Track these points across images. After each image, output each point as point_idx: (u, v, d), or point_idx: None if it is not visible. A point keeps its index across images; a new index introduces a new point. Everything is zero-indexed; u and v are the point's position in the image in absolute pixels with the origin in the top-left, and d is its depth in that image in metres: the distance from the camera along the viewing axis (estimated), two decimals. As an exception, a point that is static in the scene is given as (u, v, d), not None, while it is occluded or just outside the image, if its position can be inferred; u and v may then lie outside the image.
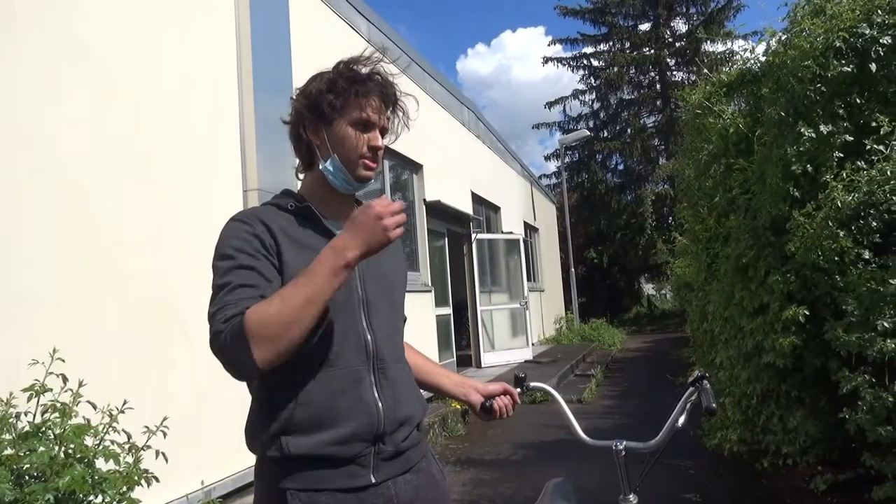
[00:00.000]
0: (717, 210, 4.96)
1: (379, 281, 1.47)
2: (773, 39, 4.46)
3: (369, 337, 1.40)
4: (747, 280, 4.12)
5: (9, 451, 2.20)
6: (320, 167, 1.45)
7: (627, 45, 25.59)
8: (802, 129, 3.63)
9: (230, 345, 1.19)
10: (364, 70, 1.46)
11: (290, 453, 1.29)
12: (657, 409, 6.94)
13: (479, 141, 12.73)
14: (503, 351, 11.62)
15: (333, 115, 1.41)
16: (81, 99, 3.62)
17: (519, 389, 1.79)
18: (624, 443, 1.77)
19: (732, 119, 4.81)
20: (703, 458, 4.96)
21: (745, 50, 5.03)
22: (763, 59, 4.68)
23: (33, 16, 3.41)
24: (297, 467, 1.31)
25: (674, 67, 25.28)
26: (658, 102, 25.13)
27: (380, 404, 1.38)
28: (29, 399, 2.34)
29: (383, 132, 1.49)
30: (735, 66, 5.29)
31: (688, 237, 6.40)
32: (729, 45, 22.77)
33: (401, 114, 1.53)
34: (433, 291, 9.24)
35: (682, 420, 1.70)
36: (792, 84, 3.76)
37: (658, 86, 25.26)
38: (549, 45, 44.31)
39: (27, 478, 2.22)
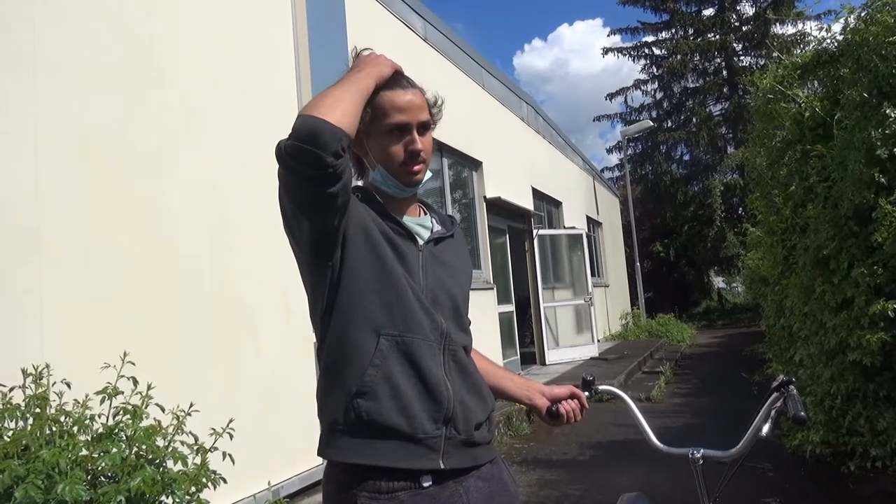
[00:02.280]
0: (794, 199, 4.71)
1: (443, 273, 1.45)
2: (852, 16, 4.20)
3: (441, 319, 1.39)
4: (829, 273, 3.90)
5: (84, 452, 2.27)
6: (370, 178, 1.48)
7: (691, 31, 24.79)
8: (888, 111, 3.40)
9: (298, 129, 1.19)
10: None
11: (363, 417, 1.28)
12: (730, 408, 6.71)
13: (538, 136, 12.58)
14: (568, 348, 11.44)
15: (368, 128, 1.42)
16: (147, 106, 3.73)
17: (587, 393, 1.71)
18: (702, 451, 1.67)
19: (808, 103, 4.56)
20: (783, 460, 4.72)
21: (820, 29, 4.76)
22: (841, 37, 4.42)
23: (100, 26, 3.52)
24: (369, 437, 1.29)
25: (741, 52, 24.33)
26: (725, 89, 24.25)
27: (448, 384, 1.36)
28: (102, 401, 2.41)
29: (424, 127, 1.44)
30: (809, 47, 5.02)
31: (761, 228, 6.13)
32: (800, 26, 21.81)
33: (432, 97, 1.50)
34: (495, 289, 9.17)
35: (766, 428, 1.59)
36: (875, 63, 3.53)
37: (724, 72, 24.37)
38: (608, 35, 43.31)
39: (101, 478, 2.28)
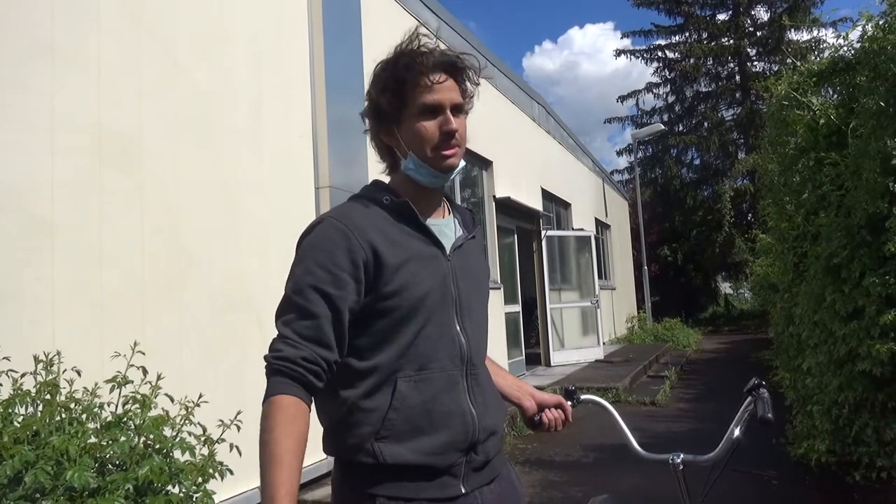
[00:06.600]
0: (806, 207, 4.69)
1: (470, 280, 1.42)
2: (870, 24, 4.17)
3: (463, 340, 1.35)
4: (840, 282, 3.87)
5: (93, 440, 2.28)
6: (402, 167, 1.39)
7: (705, 35, 24.69)
8: (904, 120, 3.37)
9: (269, 381, 1.28)
10: (410, 49, 1.36)
11: (385, 461, 1.24)
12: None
13: (549, 136, 12.56)
14: (573, 350, 11.43)
15: (397, 114, 1.34)
16: (161, 99, 3.74)
17: (570, 402, 1.72)
18: (681, 456, 1.72)
19: (822, 110, 4.53)
20: (788, 469, 4.70)
21: (837, 37, 4.74)
22: (858, 45, 4.38)
23: (116, 19, 3.54)
24: (388, 476, 1.25)
25: (754, 58, 24.24)
26: (737, 95, 24.14)
27: (473, 411, 1.33)
28: (111, 390, 2.43)
29: (458, 108, 1.37)
30: (826, 54, 4.99)
31: (772, 235, 6.09)
32: (815, 33, 21.71)
33: (470, 74, 1.42)
34: (502, 289, 9.17)
35: (738, 431, 1.64)
36: (893, 71, 3.50)
37: (737, 77, 24.26)
38: (620, 38, 43.07)
39: (109, 466, 2.30)
